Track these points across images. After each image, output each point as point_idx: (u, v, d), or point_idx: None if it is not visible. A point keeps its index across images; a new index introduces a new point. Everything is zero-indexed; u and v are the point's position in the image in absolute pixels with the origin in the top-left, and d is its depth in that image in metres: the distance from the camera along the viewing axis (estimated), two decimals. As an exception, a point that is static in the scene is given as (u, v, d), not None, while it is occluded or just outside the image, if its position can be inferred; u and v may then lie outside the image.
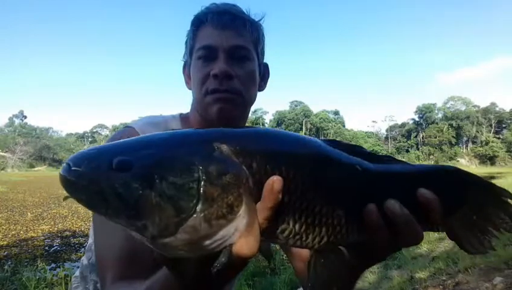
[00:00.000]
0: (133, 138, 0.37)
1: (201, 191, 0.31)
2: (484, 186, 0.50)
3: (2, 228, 8.40)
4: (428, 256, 5.61)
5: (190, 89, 0.85)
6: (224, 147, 0.35)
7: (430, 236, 7.10)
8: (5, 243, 7.08)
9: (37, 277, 4.44)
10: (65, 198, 0.34)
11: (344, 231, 0.42)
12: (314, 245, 0.40)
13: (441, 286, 3.80)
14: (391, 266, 5.22)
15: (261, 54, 0.85)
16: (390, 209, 0.42)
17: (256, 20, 0.83)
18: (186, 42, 0.84)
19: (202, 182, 0.32)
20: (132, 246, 0.66)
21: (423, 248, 6.27)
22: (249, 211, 0.33)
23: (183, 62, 0.89)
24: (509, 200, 0.49)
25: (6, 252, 6.39)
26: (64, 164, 0.33)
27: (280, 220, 0.37)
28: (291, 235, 0.39)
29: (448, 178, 0.48)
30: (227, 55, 0.76)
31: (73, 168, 0.32)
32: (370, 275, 4.78)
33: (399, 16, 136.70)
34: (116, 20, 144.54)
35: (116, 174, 0.31)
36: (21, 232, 8.07)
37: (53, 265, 5.58)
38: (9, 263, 5.54)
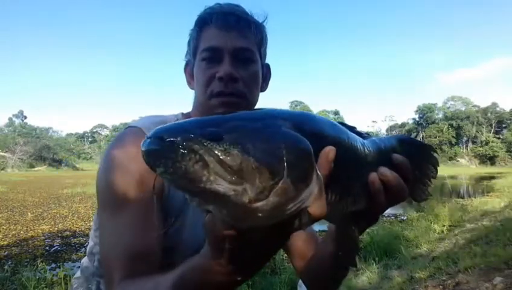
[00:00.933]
0: (206, 117, 0.39)
1: (286, 156, 0.34)
2: (421, 146, 0.65)
3: (2, 228, 8.39)
4: (428, 256, 5.61)
5: (192, 88, 0.85)
6: (288, 123, 0.38)
7: (430, 236, 7.11)
8: (6, 243, 7.08)
9: (37, 277, 4.44)
10: (158, 173, 0.33)
11: (358, 200, 0.49)
12: (337, 217, 0.49)
13: (441, 286, 3.80)
14: (391, 266, 5.22)
15: (263, 55, 0.85)
16: (384, 175, 0.50)
17: (260, 21, 0.83)
18: (189, 42, 0.84)
19: (285, 150, 0.34)
20: (140, 243, 0.64)
21: (423, 248, 6.27)
22: (318, 177, 0.36)
23: (184, 61, 0.88)
24: (434, 154, 0.65)
25: (6, 252, 6.39)
26: (151, 139, 0.33)
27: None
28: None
29: (406, 145, 0.61)
30: (232, 57, 0.76)
31: (168, 139, 0.32)
32: (370, 275, 4.78)
33: (399, 16, 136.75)
34: (117, 20, 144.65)
35: (212, 143, 0.33)
36: (21, 232, 8.07)
37: (53, 265, 5.58)
38: (9, 263, 5.55)
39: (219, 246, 0.39)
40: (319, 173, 0.37)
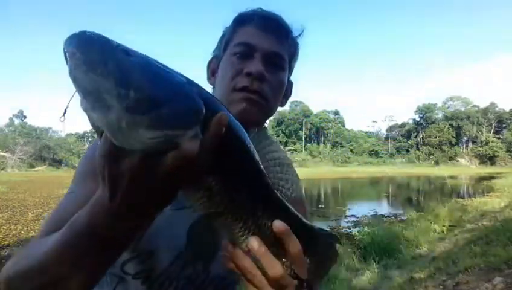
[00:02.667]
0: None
1: (178, 94, 0.39)
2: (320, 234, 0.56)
3: (3, 228, 8.40)
4: (428, 256, 5.61)
5: (211, 84, 0.83)
6: (195, 89, 0.42)
7: (430, 236, 7.12)
8: (6, 242, 7.10)
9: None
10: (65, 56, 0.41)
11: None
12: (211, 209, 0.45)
13: (441, 286, 3.80)
14: (391, 266, 5.22)
15: (291, 69, 0.85)
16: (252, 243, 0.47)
17: (295, 34, 0.83)
18: (221, 37, 0.82)
19: (179, 90, 0.39)
20: (65, 214, 0.58)
21: (423, 248, 6.27)
22: (197, 134, 0.38)
23: (211, 55, 0.86)
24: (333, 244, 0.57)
25: (7, 252, 6.41)
26: (77, 32, 0.41)
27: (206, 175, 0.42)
28: (206, 193, 0.43)
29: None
30: (264, 58, 0.74)
31: (87, 34, 0.40)
32: (370, 275, 4.78)
33: (399, 16, 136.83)
34: (117, 20, 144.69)
35: (120, 54, 0.39)
36: (22, 232, 8.08)
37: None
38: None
39: (106, 171, 0.38)
40: (199, 130, 0.38)
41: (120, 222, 0.40)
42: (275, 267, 0.46)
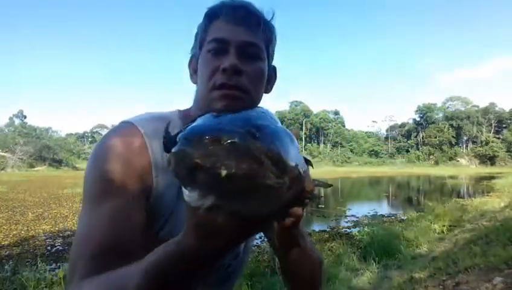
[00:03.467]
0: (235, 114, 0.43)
1: (297, 152, 0.44)
2: None
3: (3, 228, 8.40)
4: (428, 256, 5.61)
5: (194, 83, 0.82)
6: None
7: (430, 236, 7.12)
8: (7, 242, 7.10)
9: (37, 277, 4.44)
10: (193, 167, 0.34)
11: None
12: None
13: (441, 286, 3.80)
14: (391, 266, 5.22)
15: (271, 55, 0.83)
16: None
17: (268, 19, 0.80)
18: (196, 35, 0.81)
19: (296, 147, 0.44)
20: (112, 235, 0.59)
21: (423, 248, 6.27)
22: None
23: (190, 55, 0.85)
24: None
25: (7, 252, 6.41)
26: (185, 139, 0.35)
27: None
28: None
29: None
30: (239, 50, 0.73)
31: (228, 140, 0.34)
32: (370, 275, 4.78)
33: (399, 16, 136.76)
34: (117, 19, 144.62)
35: (259, 143, 0.36)
36: (22, 232, 8.08)
37: (54, 265, 5.60)
38: (10, 262, 5.56)
39: (209, 235, 0.42)
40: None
41: (195, 264, 0.47)
42: None
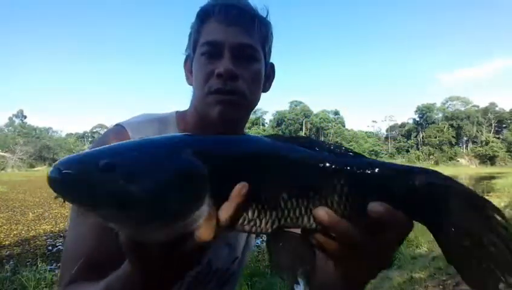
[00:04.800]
0: (114, 143, 0.43)
1: (170, 187, 0.38)
2: (466, 196, 0.42)
3: (4, 228, 8.41)
4: (428, 256, 5.62)
5: (190, 84, 0.81)
6: (189, 151, 0.41)
7: (430, 236, 7.11)
8: (7, 242, 7.11)
9: (37, 277, 4.44)
10: (56, 197, 0.38)
11: (293, 216, 0.45)
12: (268, 229, 0.45)
13: (440, 286, 3.80)
14: (391, 266, 5.23)
15: (268, 53, 0.81)
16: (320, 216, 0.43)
17: (263, 15, 0.78)
18: (189, 35, 0.79)
19: (170, 181, 0.38)
20: (97, 253, 0.63)
21: (423, 248, 6.27)
22: (210, 203, 0.40)
23: (184, 56, 0.84)
24: (495, 215, 0.39)
25: (8, 252, 6.42)
26: (54, 168, 0.37)
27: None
28: (245, 222, 0.44)
29: (418, 181, 0.44)
30: (233, 53, 0.71)
31: (64, 171, 0.37)
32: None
33: (399, 16, 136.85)
34: (117, 19, 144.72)
35: (103, 174, 0.37)
36: (22, 232, 8.09)
37: (55, 265, 5.60)
38: (11, 262, 5.56)
39: (131, 257, 0.45)
40: (211, 200, 0.40)
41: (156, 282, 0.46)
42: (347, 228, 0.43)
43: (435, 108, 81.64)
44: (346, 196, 0.44)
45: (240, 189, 0.40)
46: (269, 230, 0.45)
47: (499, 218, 0.38)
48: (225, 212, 0.41)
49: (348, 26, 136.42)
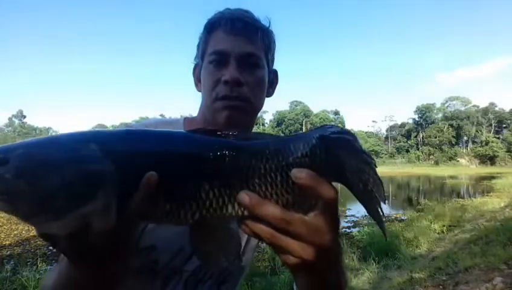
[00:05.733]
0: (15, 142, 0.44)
1: (60, 181, 0.39)
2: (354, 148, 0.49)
3: (4, 228, 8.43)
4: (428, 256, 5.62)
5: (199, 91, 0.86)
6: (94, 146, 0.42)
7: (430, 236, 7.12)
8: (8, 242, 7.13)
9: (37, 277, 4.45)
10: None
11: (217, 205, 0.45)
12: (188, 221, 0.45)
13: (441, 286, 3.81)
14: (391, 266, 5.23)
15: (271, 60, 0.87)
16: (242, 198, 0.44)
17: (266, 26, 0.84)
18: (198, 45, 0.86)
19: (67, 172, 0.39)
20: None
21: (423, 247, 6.28)
22: (105, 195, 0.40)
23: (193, 64, 0.90)
24: (371, 160, 0.48)
25: (9, 252, 6.43)
26: None
27: (151, 203, 0.43)
28: (163, 214, 0.44)
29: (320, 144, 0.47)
30: (238, 61, 0.77)
31: None
32: (370, 275, 4.79)
33: (398, 16, 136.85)
34: (117, 19, 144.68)
35: None
36: (23, 232, 8.10)
37: (56, 265, 5.59)
38: (11, 262, 5.57)
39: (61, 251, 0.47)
40: (108, 191, 0.40)
41: (84, 270, 0.48)
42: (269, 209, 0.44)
43: (434, 108, 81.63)
44: (265, 176, 0.45)
45: (147, 178, 0.41)
46: (190, 221, 0.45)
47: (370, 160, 0.47)
48: (133, 202, 0.41)
49: (347, 26, 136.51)
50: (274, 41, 0.87)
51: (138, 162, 0.43)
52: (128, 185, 0.42)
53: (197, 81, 0.88)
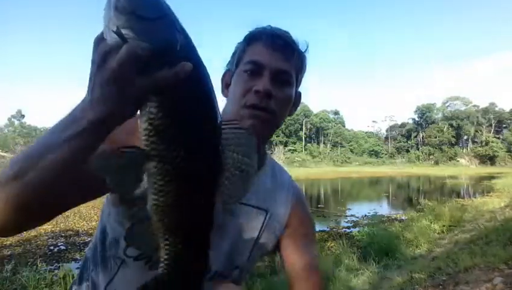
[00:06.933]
0: None
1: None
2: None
3: (4, 228, 8.42)
4: (428, 256, 5.63)
5: (225, 96, 0.89)
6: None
7: (430, 236, 7.13)
8: (9, 242, 7.12)
9: (37, 277, 4.45)
10: None
11: None
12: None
13: (440, 286, 3.81)
14: (391, 266, 5.23)
15: (299, 82, 0.90)
16: None
17: (302, 49, 0.88)
18: (234, 53, 0.89)
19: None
20: None
21: (423, 248, 6.28)
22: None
23: (225, 69, 0.93)
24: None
25: (9, 252, 6.43)
26: None
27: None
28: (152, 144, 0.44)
29: None
30: (272, 75, 0.80)
31: None
32: (370, 275, 4.79)
33: (398, 16, 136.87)
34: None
35: None
36: (23, 232, 8.10)
37: (56, 265, 5.62)
38: (12, 262, 5.58)
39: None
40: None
41: (96, 106, 0.45)
42: None
43: (435, 108, 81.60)
44: None
45: (183, 66, 0.42)
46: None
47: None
48: (162, 74, 0.42)
49: (347, 26, 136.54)
50: (305, 65, 0.90)
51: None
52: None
53: (225, 87, 0.90)
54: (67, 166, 0.48)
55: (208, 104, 0.46)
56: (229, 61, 0.90)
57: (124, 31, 0.40)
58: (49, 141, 0.49)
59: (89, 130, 0.45)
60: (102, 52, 0.42)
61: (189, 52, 0.45)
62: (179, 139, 0.44)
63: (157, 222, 0.47)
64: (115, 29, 0.40)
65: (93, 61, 0.44)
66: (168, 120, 0.43)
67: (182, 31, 0.45)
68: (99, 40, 0.43)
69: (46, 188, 0.50)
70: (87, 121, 0.45)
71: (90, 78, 0.45)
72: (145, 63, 0.41)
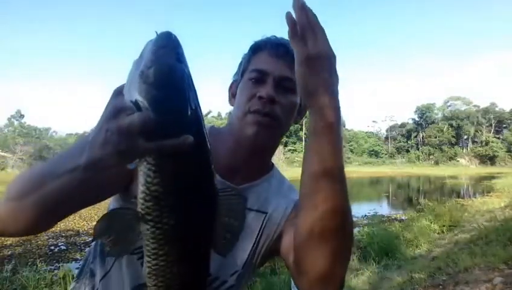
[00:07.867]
0: None
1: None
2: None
3: (4, 228, 8.43)
4: (428, 256, 5.63)
5: (232, 105, 0.91)
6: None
7: (430, 236, 7.13)
8: (9, 242, 7.12)
9: (37, 277, 4.45)
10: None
11: None
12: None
13: (440, 286, 3.81)
14: (391, 266, 5.23)
15: None
16: None
17: None
18: (240, 63, 0.91)
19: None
20: None
21: (423, 248, 6.28)
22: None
23: (232, 80, 0.95)
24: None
25: (10, 252, 6.43)
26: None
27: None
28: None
29: None
30: (276, 82, 0.82)
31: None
32: (370, 275, 4.79)
33: (398, 15, 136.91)
34: (117, 19, 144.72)
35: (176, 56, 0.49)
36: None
37: (57, 265, 5.63)
38: (12, 262, 5.58)
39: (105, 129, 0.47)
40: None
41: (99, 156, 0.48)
42: None
43: (435, 108, 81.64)
44: None
45: (184, 139, 0.45)
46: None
47: None
48: (164, 143, 0.45)
49: (347, 26, 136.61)
50: None
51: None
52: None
53: (231, 96, 0.93)
54: (66, 194, 0.56)
55: (206, 173, 0.48)
56: (236, 72, 0.93)
57: (140, 98, 0.43)
58: (52, 169, 0.59)
59: (82, 168, 0.50)
60: (117, 108, 0.46)
61: (193, 124, 0.46)
62: (174, 208, 0.45)
63: (151, 286, 0.49)
64: (135, 96, 0.44)
65: (106, 108, 0.48)
66: (164, 188, 0.44)
67: (194, 100, 0.47)
68: (118, 93, 0.48)
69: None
70: (82, 160, 0.50)
71: (98, 122, 0.49)
72: (151, 132, 0.43)
